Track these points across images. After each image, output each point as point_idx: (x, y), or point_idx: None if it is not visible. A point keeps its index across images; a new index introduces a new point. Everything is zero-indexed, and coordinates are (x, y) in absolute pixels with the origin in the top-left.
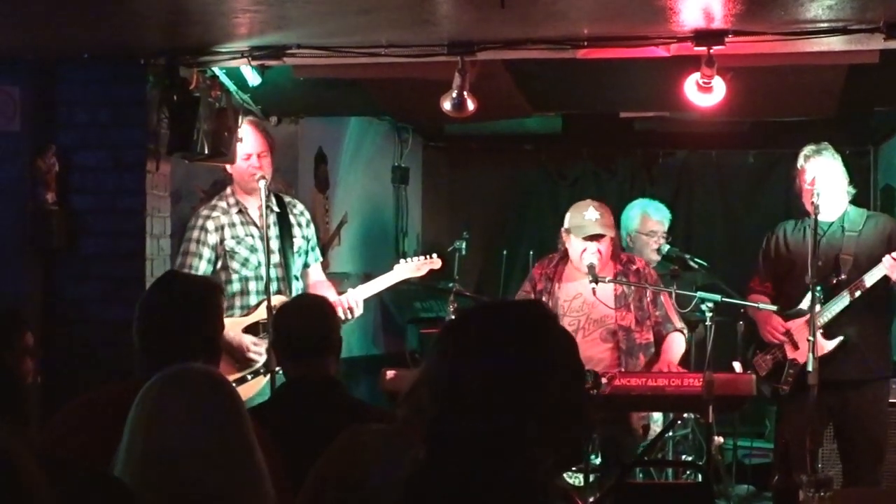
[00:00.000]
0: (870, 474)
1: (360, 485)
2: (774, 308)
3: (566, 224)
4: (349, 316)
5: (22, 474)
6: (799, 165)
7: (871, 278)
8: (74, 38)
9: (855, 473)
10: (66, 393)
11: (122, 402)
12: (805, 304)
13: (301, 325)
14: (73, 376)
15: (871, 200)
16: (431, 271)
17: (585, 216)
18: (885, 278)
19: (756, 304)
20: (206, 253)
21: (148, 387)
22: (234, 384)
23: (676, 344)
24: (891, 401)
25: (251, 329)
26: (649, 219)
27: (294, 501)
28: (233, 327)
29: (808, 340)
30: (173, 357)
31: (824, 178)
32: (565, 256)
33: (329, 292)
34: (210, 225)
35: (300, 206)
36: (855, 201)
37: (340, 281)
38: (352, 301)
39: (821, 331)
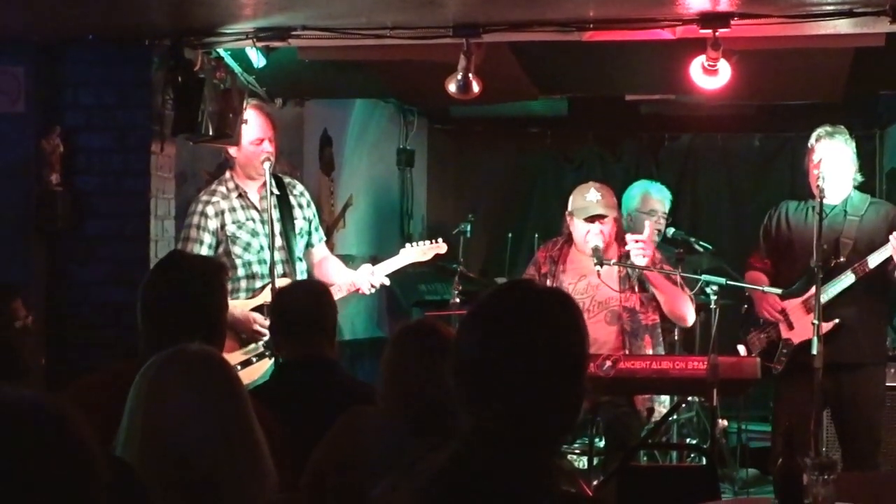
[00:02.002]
0: (869, 458)
1: (361, 465)
2: (779, 292)
3: (569, 207)
4: (369, 292)
5: (80, 438)
6: (810, 144)
7: (874, 259)
8: (79, 19)
9: (854, 457)
10: (71, 374)
11: (125, 382)
12: (803, 285)
13: (297, 308)
14: (77, 357)
15: (877, 184)
16: (437, 256)
17: (587, 197)
18: (887, 262)
19: (761, 288)
20: (207, 238)
21: (147, 366)
22: (239, 367)
23: (681, 294)
24: (888, 384)
25: (257, 311)
26: (650, 198)
27: (296, 483)
28: (239, 306)
29: (813, 324)
30: (176, 337)
31: (831, 162)
32: (570, 239)
33: (340, 269)
34: (210, 210)
35: (300, 187)
36: (859, 186)
37: (346, 263)
38: (375, 280)
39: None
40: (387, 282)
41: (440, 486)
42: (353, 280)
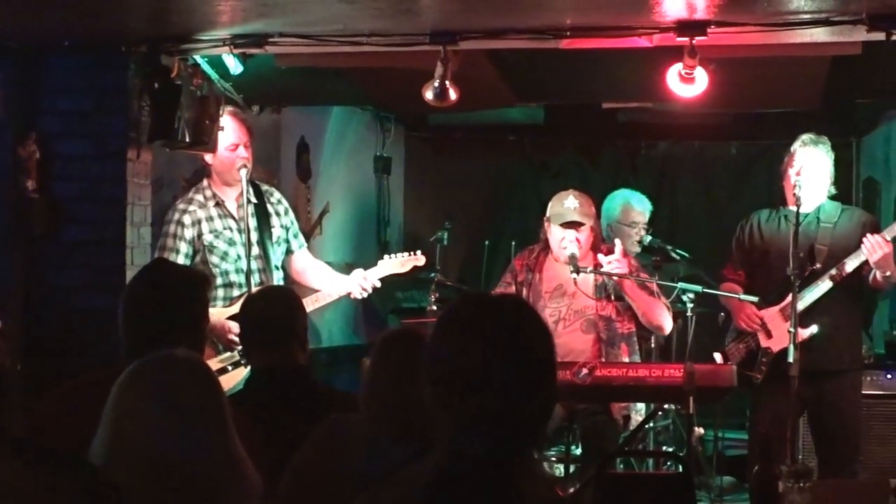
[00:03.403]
0: (847, 465)
1: (342, 474)
2: (755, 299)
3: (547, 212)
4: (361, 296)
5: None
6: (792, 149)
7: (851, 264)
8: (56, 24)
9: (832, 464)
10: (49, 380)
11: (105, 389)
12: (780, 293)
13: (267, 316)
14: (56, 364)
15: (854, 192)
16: (415, 268)
17: (565, 204)
18: (862, 266)
19: (738, 296)
20: (183, 248)
21: (130, 371)
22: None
23: (658, 304)
24: (869, 392)
25: (233, 320)
26: (632, 209)
27: (272, 491)
28: (215, 314)
29: (789, 332)
30: (157, 344)
31: (810, 170)
32: (546, 247)
33: (326, 274)
34: (186, 219)
35: (277, 195)
36: (834, 196)
37: None
38: (367, 284)
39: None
40: (378, 284)
41: (423, 495)
42: (345, 286)
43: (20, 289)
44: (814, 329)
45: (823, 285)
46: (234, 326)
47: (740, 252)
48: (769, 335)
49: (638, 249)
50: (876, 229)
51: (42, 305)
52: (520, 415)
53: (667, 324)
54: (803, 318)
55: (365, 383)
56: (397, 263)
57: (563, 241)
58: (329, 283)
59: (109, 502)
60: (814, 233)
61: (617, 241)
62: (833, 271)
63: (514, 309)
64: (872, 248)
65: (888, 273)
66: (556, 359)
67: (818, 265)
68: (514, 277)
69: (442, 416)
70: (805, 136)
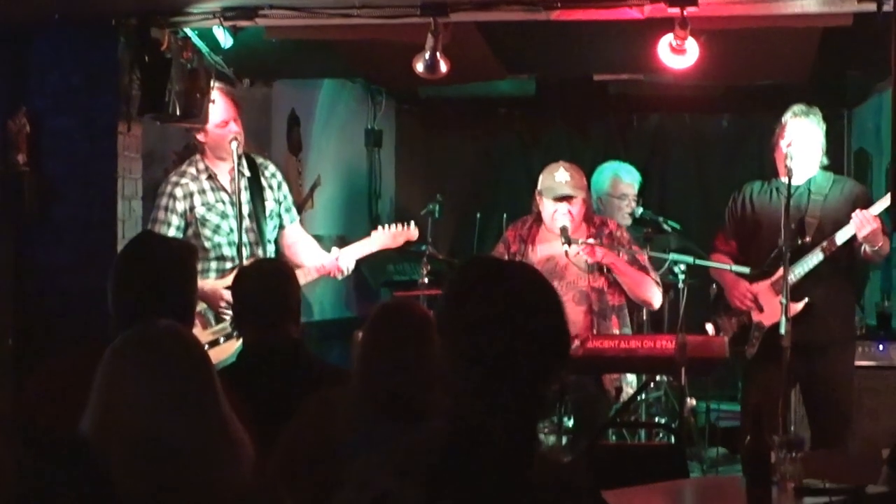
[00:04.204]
0: (839, 438)
1: (333, 448)
2: (747, 270)
3: (539, 186)
4: (339, 276)
5: None
6: (783, 121)
7: (841, 237)
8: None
9: (823, 437)
10: (38, 356)
11: (95, 366)
12: (771, 266)
13: (259, 289)
14: (44, 340)
15: (845, 164)
16: (407, 241)
17: (556, 177)
18: (853, 238)
19: (729, 267)
20: (175, 221)
21: (114, 344)
22: (206, 346)
23: (645, 279)
24: (861, 363)
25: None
26: (620, 182)
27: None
28: (209, 283)
29: (781, 304)
30: (146, 317)
31: (801, 142)
32: (539, 219)
33: (314, 250)
34: (178, 192)
35: (272, 168)
36: (826, 167)
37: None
38: (342, 264)
39: None
40: (352, 266)
41: (435, 460)
42: (322, 264)
43: (10, 265)
44: (804, 301)
45: (815, 258)
46: (227, 294)
47: (732, 223)
48: (760, 310)
49: (629, 221)
50: (868, 201)
51: (32, 282)
52: (532, 382)
53: (655, 299)
54: (795, 292)
55: (358, 356)
56: (389, 236)
57: (556, 215)
58: (308, 261)
59: (99, 479)
60: (804, 205)
61: (598, 250)
62: (824, 243)
63: (528, 274)
64: (861, 223)
65: (877, 247)
66: (568, 328)
67: (808, 238)
68: (506, 248)
69: (454, 381)
70: (796, 107)
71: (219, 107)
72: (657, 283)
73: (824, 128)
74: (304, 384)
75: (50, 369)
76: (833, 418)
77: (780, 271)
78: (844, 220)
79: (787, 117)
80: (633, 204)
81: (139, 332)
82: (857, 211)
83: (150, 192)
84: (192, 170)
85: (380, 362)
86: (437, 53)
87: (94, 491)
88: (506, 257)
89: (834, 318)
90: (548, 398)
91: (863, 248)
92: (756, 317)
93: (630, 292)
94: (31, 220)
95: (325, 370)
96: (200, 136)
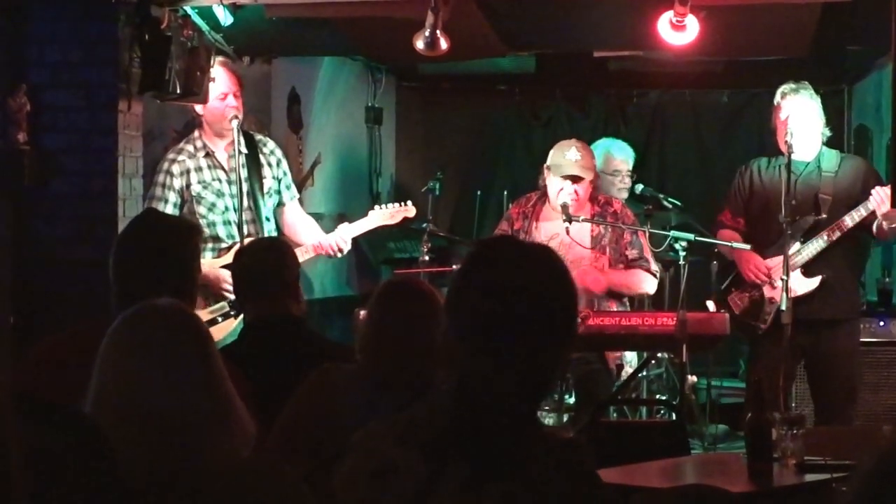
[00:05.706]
0: (842, 413)
1: (334, 423)
2: (748, 247)
3: (549, 160)
4: (337, 255)
5: None
6: (776, 102)
7: (852, 218)
8: None
9: (828, 412)
10: (40, 333)
11: (94, 340)
12: (782, 243)
13: (258, 267)
14: (44, 315)
15: (845, 140)
16: (406, 219)
17: (567, 155)
18: (865, 216)
19: (730, 244)
20: (172, 197)
21: (116, 323)
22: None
23: (636, 276)
24: (862, 339)
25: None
26: (613, 158)
27: (263, 441)
28: (207, 264)
29: (782, 279)
30: (147, 295)
31: (799, 118)
32: (544, 196)
33: (312, 229)
34: (175, 169)
35: (271, 144)
36: (829, 142)
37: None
38: (341, 241)
39: (801, 270)
40: (347, 247)
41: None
42: (319, 242)
43: (9, 241)
44: (819, 278)
45: (824, 238)
46: (228, 276)
47: (739, 199)
48: (773, 286)
49: (625, 195)
50: (879, 178)
51: (31, 258)
52: (537, 361)
53: (648, 289)
54: (808, 268)
55: (363, 333)
56: (387, 214)
57: (561, 193)
58: (306, 239)
59: (101, 454)
60: (817, 181)
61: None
62: (846, 219)
63: (541, 253)
64: (882, 200)
65: (895, 224)
66: (577, 310)
67: (824, 215)
68: (510, 225)
69: (458, 355)
70: (784, 87)
71: (219, 79)
72: (651, 271)
73: (818, 99)
74: (306, 360)
75: (49, 343)
76: (839, 394)
77: (795, 246)
78: (856, 197)
79: (778, 98)
80: (628, 180)
81: (136, 311)
82: (877, 188)
83: (151, 169)
84: (190, 147)
85: (386, 338)
86: (438, 30)
87: (96, 465)
88: (510, 234)
89: (841, 294)
90: (552, 377)
91: (878, 223)
92: (769, 292)
93: (630, 294)
94: (30, 196)
95: (327, 346)
96: (199, 109)
